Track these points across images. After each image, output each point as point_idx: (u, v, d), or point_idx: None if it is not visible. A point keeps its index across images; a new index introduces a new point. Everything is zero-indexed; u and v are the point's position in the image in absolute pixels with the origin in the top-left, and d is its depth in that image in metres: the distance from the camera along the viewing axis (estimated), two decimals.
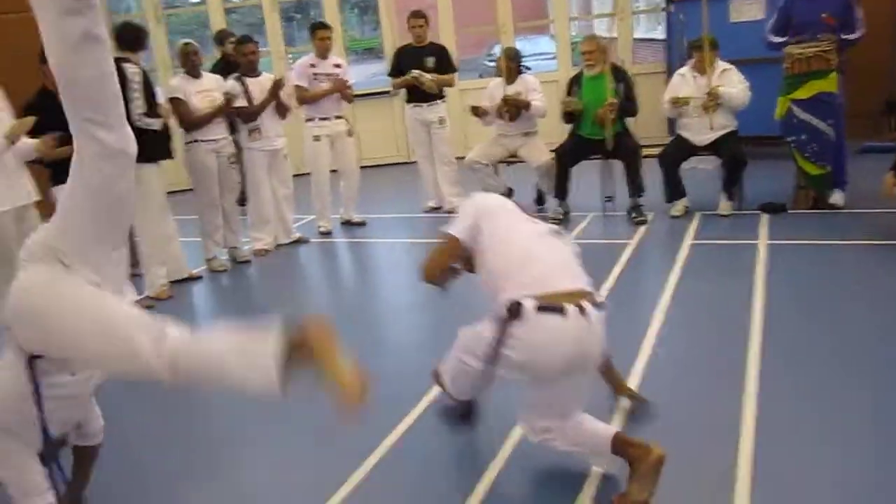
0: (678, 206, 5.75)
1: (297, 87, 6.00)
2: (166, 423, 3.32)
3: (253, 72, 5.67)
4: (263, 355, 1.86)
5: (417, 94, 6.37)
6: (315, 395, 1.92)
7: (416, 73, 6.24)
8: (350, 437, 2.84)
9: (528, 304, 2.23)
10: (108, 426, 2.57)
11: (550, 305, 2.23)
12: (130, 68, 4.74)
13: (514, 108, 6.01)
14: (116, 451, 2.84)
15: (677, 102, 5.64)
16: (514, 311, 2.23)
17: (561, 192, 5.97)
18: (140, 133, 4.74)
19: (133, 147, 1.99)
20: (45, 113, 4.08)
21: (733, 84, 5.50)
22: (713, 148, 5.65)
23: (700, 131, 5.61)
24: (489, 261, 2.45)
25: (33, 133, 4.03)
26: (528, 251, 2.41)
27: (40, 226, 2.10)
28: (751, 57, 6.12)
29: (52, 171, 4.28)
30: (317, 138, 6.11)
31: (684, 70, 5.77)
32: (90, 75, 1.83)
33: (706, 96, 5.46)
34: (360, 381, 1.88)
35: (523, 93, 6.05)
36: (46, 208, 4.46)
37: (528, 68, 6.35)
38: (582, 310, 2.25)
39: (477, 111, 6.20)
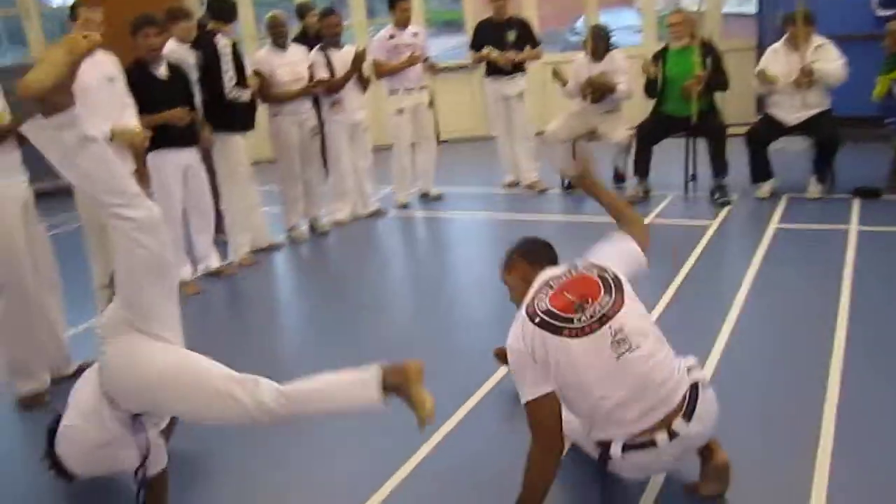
0: (764, 188, 5.56)
1: (375, 61, 6.04)
2: None
3: (336, 44, 5.73)
4: (365, 387, 2.18)
5: (496, 68, 6.32)
6: None
7: (486, 49, 6.19)
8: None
9: (616, 449, 2.11)
10: None
11: (640, 443, 2.10)
12: (221, 40, 4.87)
13: (599, 92, 5.90)
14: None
15: (763, 77, 5.42)
16: (604, 455, 2.16)
17: (642, 170, 5.85)
18: (230, 105, 4.95)
19: (156, 211, 2.24)
20: (133, 87, 4.25)
21: (829, 60, 5.25)
22: (804, 128, 5.43)
23: (791, 109, 5.39)
24: (567, 404, 2.20)
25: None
26: (602, 395, 2.11)
27: (108, 307, 2.33)
28: (849, 33, 5.83)
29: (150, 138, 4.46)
30: (400, 111, 6.15)
31: (777, 46, 5.53)
32: (96, 167, 2.10)
33: (799, 72, 5.24)
34: (433, 408, 2.20)
35: (609, 72, 5.92)
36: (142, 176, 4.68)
37: (615, 46, 6.20)
38: (673, 435, 2.08)
39: (558, 75, 6.11)
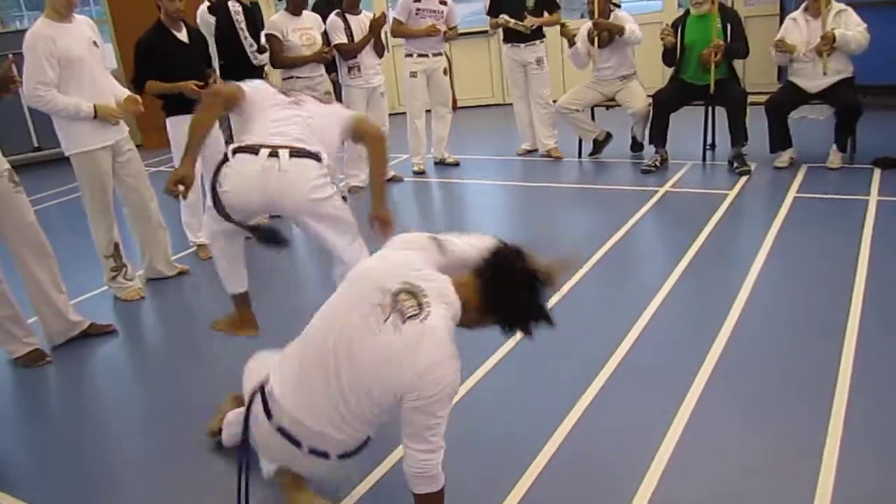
0: (783, 157, 5.51)
1: (395, 20, 6.01)
2: None
3: (354, 9, 5.70)
4: None
5: (514, 34, 6.24)
6: None
7: (503, 17, 6.12)
8: None
9: (230, 148, 2.66)
10: None
11: (246, 147, 2.62)
12: (234, 7, 4.85)
13: (607, 33, 5.82)
14: None
15: (782, 47, 5.34)
16: (225, 155, 2.65)
17: (659, 138, 5.80)
18: (250, 69, 4.94)
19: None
20: (154, 51, 4.27)
21: (849, 27, 5.14)
22: (825, 96, 5.35)
23: (813, 77, 5.31)
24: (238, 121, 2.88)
25: (145, 71, 4.20)
26: (266, 117, 2.72)
27: None
28: None
29: (165, 103, 4.48)
30: (413, 74, 6.12)
31: (796, 14, 5.42)
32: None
33: (821, 39, 5.15)
34: None
35: (616, 19, 5.86)
36: (158, 139, 4.70)
37: (618, 5, 6.11)
38: (275, 154, 2.57)
39: (564, 31, 6.04)
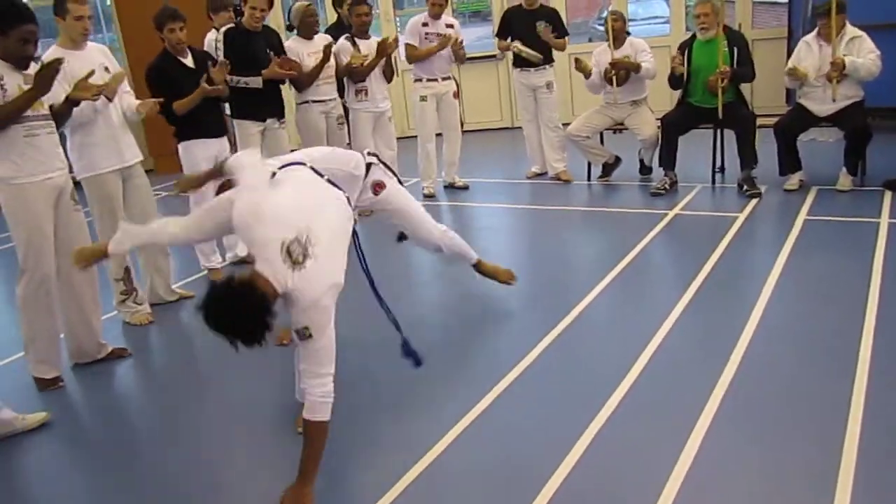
0: (793, 180, 5.50)
1: (408, 45, 6.07)
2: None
3: (364, 34, 5.75)
4: None
5: (525, 60, 6.30)
6: None
7: (516, 47, 6.17)
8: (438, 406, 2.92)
9: None
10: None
11: None
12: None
13: (624, 71, 5.87)
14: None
15: (795, 74, 5.34)
16: None
17: (668, 161, 5.81)
18: (239, 91, 4.91)
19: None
20: (163, 76, 4.32)
21: (863, 53, 5.14)
22: (835, 119, 5.34)
23: (823, 101, 5.30)
24: None
25: (157, 96, 4.24)
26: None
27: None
28: (883, 22, 5.72)
29: (177, 128, 4.53)
30: (423, 98, 6.17)
31: (810, 38, 5.42)
32: None
33: (830, 65, 5.15)
34: None
35: (632, 55, 5.90)
36: (170, 164, 4.74)
37: (629, 33, 6.16)
38: None
39: (580, 65, 6.08)
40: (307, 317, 2.27)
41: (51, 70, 3.18)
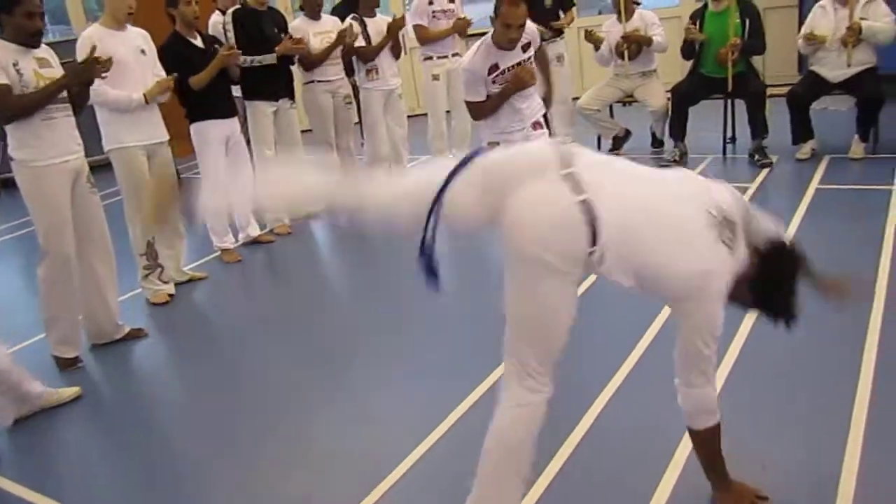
0: (805, 149, 5.47)
1: (418, 26, 6.03)
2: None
3: (371, 11, 5.74)
4: None
5: None
6: None
7: None
8: (413, 415, 2.97)
9: None
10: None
11: None
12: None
13: (636, 45, 5.84)
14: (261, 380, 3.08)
15: (812, 39, 5.29)
16: None
17: (678, 132, 5.79)
18: (249, 70, 4.93)
19: None
20: (176, 56, 4.35)
21: (878, 17, 5.09)
22: (847, 85, 5.30)
23: (836, 67, 5.25)
24: None
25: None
26: None
27: None
28: None
29: (189, 108, 4.57)
30: (435, 77, 6.15)
31: (825, 2, 5.36)
32: None
33: (846, 30, 5.10)
34: None
35: (642, 28, 5.86)
36: (184, 146, 4.79)
37: (638, 3, 6.11)
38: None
39: (591, 37, 6.04)
40: None
41: (91, 68, 3.29)
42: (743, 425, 2.37)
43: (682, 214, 1.84)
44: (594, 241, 1.72)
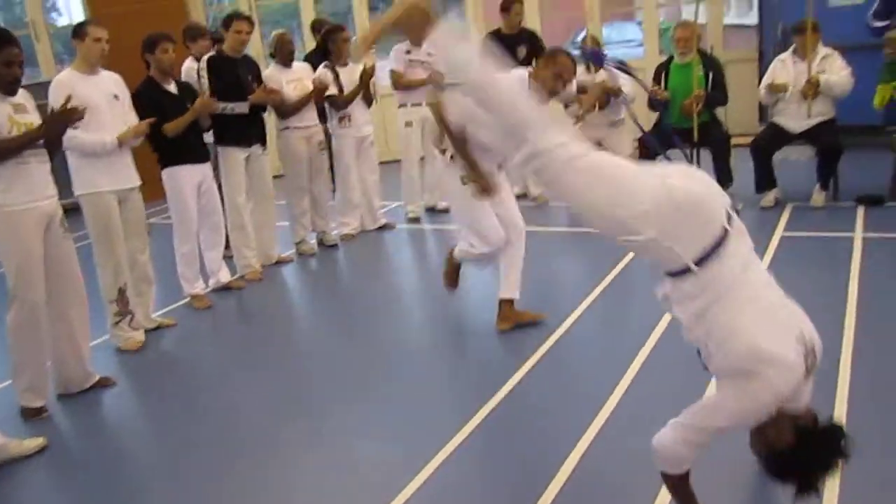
0: (769, 197, 5.62)
1: (394, 71, 6.12)
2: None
3: (344, 61, 5.80)
4: None
5: None
6: None
7: None
8: (434, 422, 2.94)
9: None
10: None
11: None
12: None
13: (603, 95, 5.96)
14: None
15: (774, 89, 5.49)
16: None
17: None
18: (220, 118, 4.95)
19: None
20: (150, 101, 4.35)
21: (835, 71, 5.32)
22: (808, 136, 5.49)
23: (797, 118, 5.45)
24: None
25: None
26: None
27: None
28: (850, 43, 5.89)
29: (161, 153, 4.55)
30: (408, 124, 6.22)
31: (784, 56, 5.60)
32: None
33: (805, 83, 5.30)
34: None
35: (608, 80, 6.00)
36: (155, 191, 4.75)
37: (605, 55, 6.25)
38: None
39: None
40: None
41: (66, 118, 3.29)
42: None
43: (782, 309, 2.03)
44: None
